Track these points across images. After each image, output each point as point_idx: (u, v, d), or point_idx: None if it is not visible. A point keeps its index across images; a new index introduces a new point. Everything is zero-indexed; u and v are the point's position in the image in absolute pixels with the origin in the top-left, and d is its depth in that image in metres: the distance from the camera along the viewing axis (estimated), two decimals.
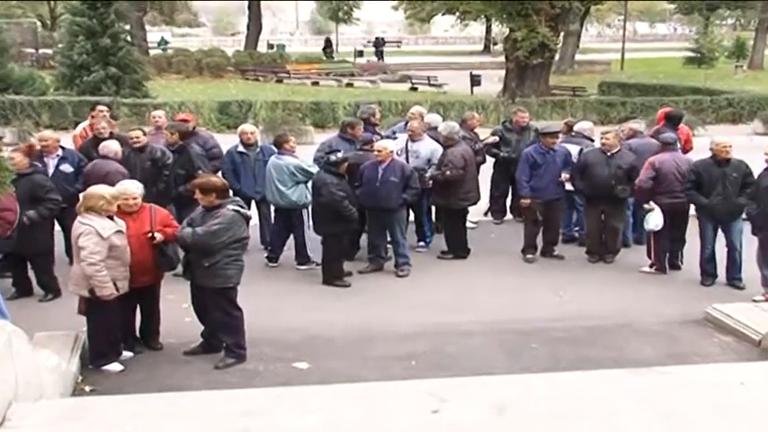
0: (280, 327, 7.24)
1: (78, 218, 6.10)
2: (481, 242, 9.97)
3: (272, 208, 9.38)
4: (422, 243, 9.88)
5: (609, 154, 9.02)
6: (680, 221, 8.74)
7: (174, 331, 6.86)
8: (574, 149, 9.59)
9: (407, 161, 9.33)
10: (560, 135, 9.46)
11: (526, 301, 7.97)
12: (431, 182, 9.44)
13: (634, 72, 35.48)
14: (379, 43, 44.68)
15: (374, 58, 41.18)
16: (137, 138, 8.82)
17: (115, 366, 6.25)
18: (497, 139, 10.71)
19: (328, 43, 43.56)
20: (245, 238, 6.36)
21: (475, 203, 9.58)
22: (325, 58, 40.10)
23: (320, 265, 8.69)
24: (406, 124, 10.13)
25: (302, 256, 9.07)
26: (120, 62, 21.64)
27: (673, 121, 10.15)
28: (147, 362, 6.46)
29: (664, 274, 8.73)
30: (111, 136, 9.34)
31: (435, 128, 10.06)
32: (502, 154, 10.69)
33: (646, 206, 8.69)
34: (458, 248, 9.50)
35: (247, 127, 9.75)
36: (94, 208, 6.06)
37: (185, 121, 9.94)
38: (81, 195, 6.76)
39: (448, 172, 9.04)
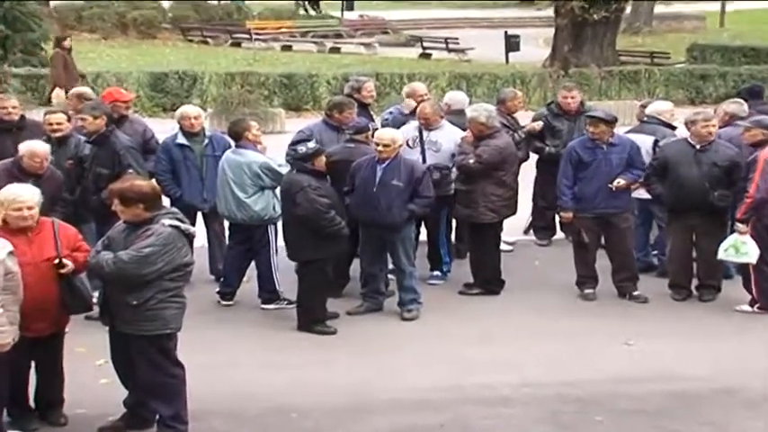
0: (236, 391, 7.21)
1: None
2: (520, 271, 9.98)
3: (227, 223, 9.40)
4: (437, 272, 9.89)
5: (698, 147, 9.04)
6: None
7: (85, 399, 6.82)
8: (647, 141, 9.59)
9: (424, 158, 9.34)
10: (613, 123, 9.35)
11: (584, 355, 7.96)
12: (451, 187, 9.46)
13: (739, 30, 35.59)
14: None
15: (369, 13, 41.21)
16: (57, 124, 8.75)
17: None
18: (541, 125, 10.72)
19: None
20: (187, 266, 6.36)
21: (510, 215, 9.60)
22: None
23: (294, 304, 8.69)
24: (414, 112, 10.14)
25: (269, 291, 9.07)
26: (8, 15, 21.54)
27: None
28: None
29: None
30: (23, 120, 9.34)
31: (459, 111, 10.09)
32: (548, 149, 10.69)
33: (741, 228, 8.69)
34: (488, 280, 9.50)
35: (190, 109, 9.78)
36: None
37: (122, 102, 9.91)
38: None
39: (471, 160, 9.05)
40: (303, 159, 8.30)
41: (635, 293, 9.28)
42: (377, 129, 9.36)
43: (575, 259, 9.43)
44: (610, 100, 21.42)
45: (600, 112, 9.53)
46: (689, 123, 9.18)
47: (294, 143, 8.67)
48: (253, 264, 9.16)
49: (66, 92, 18.00)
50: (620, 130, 9.64)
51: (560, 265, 9.95)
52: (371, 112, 10.56)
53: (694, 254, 9.32)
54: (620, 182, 9.08)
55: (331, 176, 8.59)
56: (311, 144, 8.42)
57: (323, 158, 8.37)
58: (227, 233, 9.47)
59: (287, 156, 9.17)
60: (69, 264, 6.32)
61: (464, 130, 9.48)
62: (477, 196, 9.19)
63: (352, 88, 10.42)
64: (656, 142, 9.55)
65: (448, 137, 9.49)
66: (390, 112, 10.52)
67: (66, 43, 19.05)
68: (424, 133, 9.52)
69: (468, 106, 10.11)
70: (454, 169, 9.34)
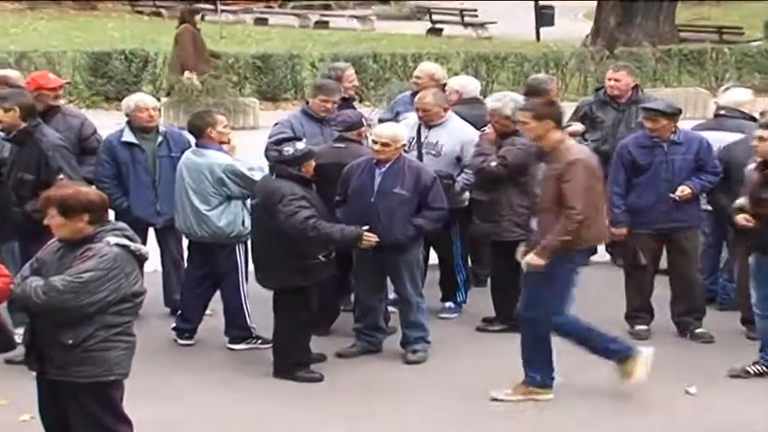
0: None
1: None
2: None
3: (186, 242, 9.44)
4: (450, 304, 9.95)
5: None
6: None
7: None
8: (727, 140, 9.62)
9: (421, 160, 9.40)
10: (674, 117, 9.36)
11: (634, 407, 7.99)
12: (466, 196, 9.51)
13: None
14: None
15: None
16: None
17: None
18: (581, 128, 10.75)
19: None
20: (136, 296, 6.36)
21: None
22: None
23: (270, 344, 8.73)
24: (414, 96, 10.18)
25: (238, 327, 9.11)
26: None
27: None
28: None
29: None
30: None
31: (473, 101, 10.13)
32: (584, 144, 10.76)
33: None
34: (512, 314, 9.47)
35: (142, 99, 9.81)
36: None
37: (48, 89, 9.95)
38: None
39: (493, 163, 9.11)
40: (289, 163, 8.34)
41: (698, 331, 9.31)
42: (370, 123, 9.39)
43: (626, 287, 9.47)
44: (667, 87, 21.46)
45: (659, 104, 9.54)
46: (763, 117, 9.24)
47: (278, 141, 8.68)
48: (217, 294, 9.20)
49: (198, 75, 18.38)
50: (685, 124, 9.64)
51: (604, 294, 9.97)
52: (355, 106, 10.56)
53: None
54: (684, 190, 9.12)
55: (317, 184, 8.62)
56: (301, 144, 8.42)
57: (311, 163, 8.40)
58: (186, 255, 9.50)
59: (266, 152, 9.20)
60: None
61: (477, 126, 9.52)
62: (501, 208, 9.23)
63: (331, 75, 10.45)
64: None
65: (452, 136, 9.50)
66: (396, 112, 10.48)
67: (197, 18, 19.36)
68: (423, 131, 9.56)
69: (490, 95, 10.14)
70: (459, 178, 9.38)
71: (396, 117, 10.25)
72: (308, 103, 9.91)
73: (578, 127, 10.73)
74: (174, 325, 9.27)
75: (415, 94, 10.23)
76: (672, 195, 9.12)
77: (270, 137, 9.68)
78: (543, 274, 7.84)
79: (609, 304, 9.68)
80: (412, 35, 30.50)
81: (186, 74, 18.53)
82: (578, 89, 20.64)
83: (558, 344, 8.65)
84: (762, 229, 8.33)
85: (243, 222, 8.88)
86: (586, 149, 8.33)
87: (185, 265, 9.48)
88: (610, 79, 10.85)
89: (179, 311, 9.35)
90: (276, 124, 9.93)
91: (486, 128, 9.45)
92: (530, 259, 7.89)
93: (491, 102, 9.53)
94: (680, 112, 9.40)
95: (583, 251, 8.19)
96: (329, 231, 8.29)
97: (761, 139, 8.32)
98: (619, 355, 8.15)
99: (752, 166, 8.49)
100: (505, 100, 9.38)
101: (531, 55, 22.71)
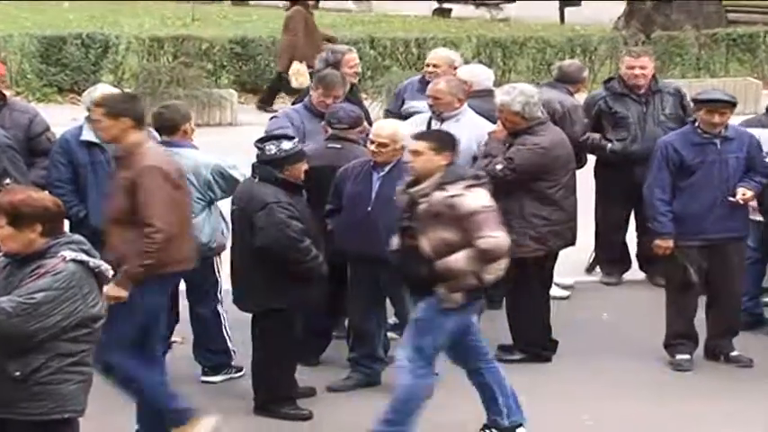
0: None
1: None
2: (581, 328, 10.07)
3: None
4: None
5: None
6: None
7: None
8: None
9: None
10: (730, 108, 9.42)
11: None
12: None
13: None
14: None
15: None
16: None
17: None
18: (598, 138, 10.80)
19: None
20: (95, 320, 6.37)
21: (564, 246, 9.70)
22: None
23: (251, 375, 8.73)
24: (425, 84, 10.22)
25: (213, 354, 9.14)
26: None
27: None
28: None
29: None
30: None
31: (485, 93, 10.17)
32: (610, 146, 10.82)
33: None
34: (532, 341, 9.55)
35: (116, 92, 9.80)
36: None
37: None
38: None
39: (498, 166, 9.14)
40: (271, 164, 8.36)
41: (733, 354, 9.44)
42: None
43: (668, 309, 9.49)
44: (713, 77, 21.40)
45: (719, 94, 9.59)
46: None
47: (263, 138, 8.68)
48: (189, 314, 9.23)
49: (309, 67, 18.43)
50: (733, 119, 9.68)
51: (639, 318, 10.01)
52: (360, 97, 10.60)
53: None
54: (745, 193, 9.17)
55: (307, 189, 8.64)
56: (287, 144, 8.40)
57: (302, 166, 8.42)
58: None
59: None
60: None
61: (490, 122, 9.56)
62: (513, 218, 9.17)
63: (327, 63, 10.46)
64: None
65: (467, 131, 9.52)
66: (403, 101, 10.56)
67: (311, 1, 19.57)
68: (434, 124, 9.61)
69: (499, 88, 10.16)
70: None
71: (401, 106, 10.30)
72: (309, 96, 9.92)
73: (596, 137, 10.83)
74: None
75: (424, 80, 10.29)
76: (731, 199, 9.16)
77: (265, 133, 9.71)
78: (125, 306, 7.66)
79: (645, 329, 9.69)
80: (415, 16, 30.44)
81: (295, 64, 18.37)
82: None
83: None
84: (408, 265, 7.98)
85: (223, 233, 8.91)
86: (166, 155, 8.08)
87: None
88: (632, 68, 10.83)
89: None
90: (272, 118, 9.93)
91: (496, 125, 9.49)
92: (108, 290, 7.41)
93: (499, 95, 9.53)
94: (730, 103, 9.43)
95: (164, 278, 7.90)
96: (308, 255, 8.26)
97: (415, 153, 7.89)
98: (178, 415, 7.92)
99: (399, 187, 8.11)
100: (514, 93, 9.38)
101: (555, 40, 22.65)
